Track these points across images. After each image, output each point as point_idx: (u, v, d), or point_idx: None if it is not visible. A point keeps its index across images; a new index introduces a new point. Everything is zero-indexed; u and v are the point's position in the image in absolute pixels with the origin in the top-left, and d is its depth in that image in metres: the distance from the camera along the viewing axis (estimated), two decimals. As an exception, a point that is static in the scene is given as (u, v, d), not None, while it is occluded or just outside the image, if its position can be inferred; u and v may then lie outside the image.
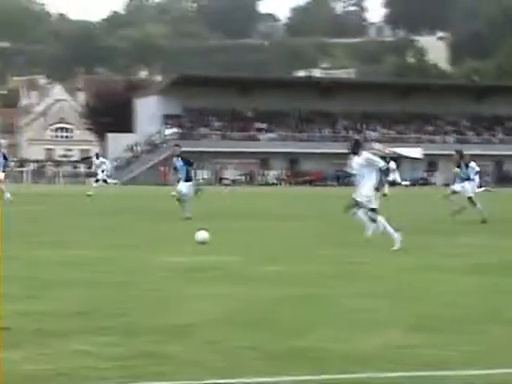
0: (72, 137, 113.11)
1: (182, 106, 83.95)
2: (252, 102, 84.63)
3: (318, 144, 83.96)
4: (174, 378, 6.13)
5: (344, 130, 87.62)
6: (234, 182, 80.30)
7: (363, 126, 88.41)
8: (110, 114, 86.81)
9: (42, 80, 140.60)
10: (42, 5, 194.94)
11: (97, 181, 41.83)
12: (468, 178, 24.44)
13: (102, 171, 41.73)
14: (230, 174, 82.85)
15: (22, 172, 74.27)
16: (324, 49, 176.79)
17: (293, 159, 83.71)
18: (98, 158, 44.29)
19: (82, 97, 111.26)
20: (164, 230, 20.33)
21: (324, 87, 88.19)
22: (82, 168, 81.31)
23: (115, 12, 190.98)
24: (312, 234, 19.46)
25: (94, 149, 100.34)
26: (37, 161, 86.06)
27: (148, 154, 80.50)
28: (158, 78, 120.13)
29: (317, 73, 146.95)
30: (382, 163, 15.39)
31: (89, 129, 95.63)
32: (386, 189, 26.94)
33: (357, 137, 16.31)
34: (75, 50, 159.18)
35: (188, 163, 24.36)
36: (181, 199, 23.77)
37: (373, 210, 15.25)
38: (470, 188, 24.22)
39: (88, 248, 15.20)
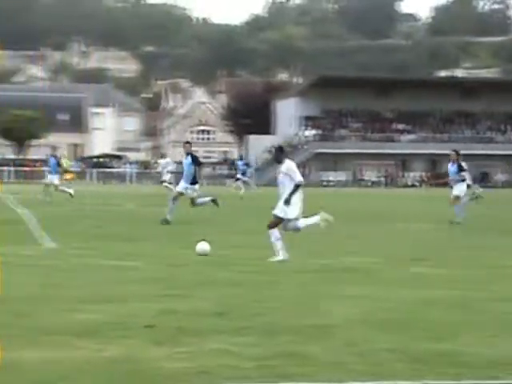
0: (213, 139, 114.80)
1: (321, 108, 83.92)
2: (391, 103, 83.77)
3: (459, 145, 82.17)
4: (315, 379, 6.10)
5: (487, 131, 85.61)
6: (373, 183, 79.71)
7: (507, 126, 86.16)
8: (250, 116, 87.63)
9: (184, 83, 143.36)
10: (184, 9, 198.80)
11: (162, 182, 40.65)
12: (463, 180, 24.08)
13: (168, 172, 40.95)
14: (369, 175, 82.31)
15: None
16: (466, 48, 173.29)
17: (433, 160, 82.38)
18: (163, 158, 43.76)
19: (222, 99, 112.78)
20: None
21: (466, 87, 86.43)
22: (223, 170, 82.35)
23: (256, 15, 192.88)
24: (452, 236, 19.07)
25: (234, 150, 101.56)
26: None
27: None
28: (298, 79, 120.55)
29: (459, 73, 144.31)
30: (299, 178, 13.51)
31: (229, 131, 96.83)
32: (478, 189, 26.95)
33: (282, 143, 14.41)
34: (217, 54, 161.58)
35: (196, 162, 22.02)
36: (193, 200, 22.02)
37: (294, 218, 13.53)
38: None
39: (231, 248, 15.34)
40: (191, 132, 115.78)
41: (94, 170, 73.34)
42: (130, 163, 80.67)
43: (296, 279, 11.34)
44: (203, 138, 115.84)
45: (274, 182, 16.41)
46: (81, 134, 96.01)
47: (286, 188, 13.51)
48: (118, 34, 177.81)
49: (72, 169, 73.61)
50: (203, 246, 14.05)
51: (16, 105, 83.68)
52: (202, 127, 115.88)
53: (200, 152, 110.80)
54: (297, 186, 13.41)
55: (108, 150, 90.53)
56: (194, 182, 21.74)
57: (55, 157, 34.34)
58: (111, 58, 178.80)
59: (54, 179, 33.42)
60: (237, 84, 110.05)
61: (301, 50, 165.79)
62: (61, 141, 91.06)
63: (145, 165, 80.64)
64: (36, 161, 73.82)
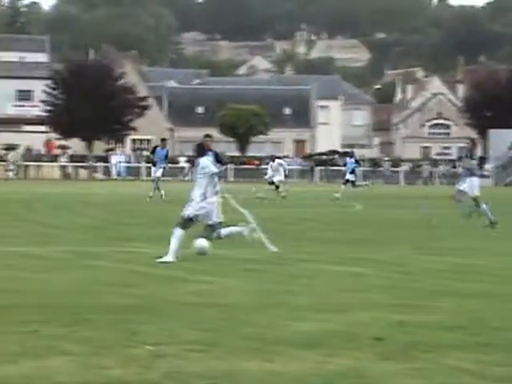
0: (449, 134, 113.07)
1: None
2: None
3: None
4: None
5: None
6: None
7: None
8: (493, 108, 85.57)
9: (418, 73, 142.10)
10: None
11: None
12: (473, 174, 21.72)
13: (284, 173, 38.65)
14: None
15: (396, 172, 75.53)
16: None
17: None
18: (273, 160, 39.96)
19: (461, 90, 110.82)
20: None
21: None
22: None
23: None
24: None
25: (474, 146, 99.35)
26: (411, 160, 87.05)
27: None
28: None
29: None
30: (214, 170, 14.46)
31: (468, 124, 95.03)
32: None
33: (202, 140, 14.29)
34: (456, 39, 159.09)
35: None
36: None
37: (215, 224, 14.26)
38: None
39: (473, 256, 15.05)
40: (426, 126, 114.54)
41: (318, 168, 74.05)
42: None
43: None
44: (439, 133, 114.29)
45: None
46: (305, 129, 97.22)
47: (196, 184, 14.30)
48: (346, 21, 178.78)
49: (294, 166, 74.66)
50: (201, 243, 13.92)
51: (239, 99, 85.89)
52: (437, 121, 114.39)
53: (436, 148, 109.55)
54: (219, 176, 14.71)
55: (335, 147, 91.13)
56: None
57: (163, 148, 34.19)
58: (338, 46, 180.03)
59: (157, 172, 33.46)
60: (478, 72, 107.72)
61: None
62: (284, 137, 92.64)
63: (374, 162, 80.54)
64: (257, 159, 75.36)
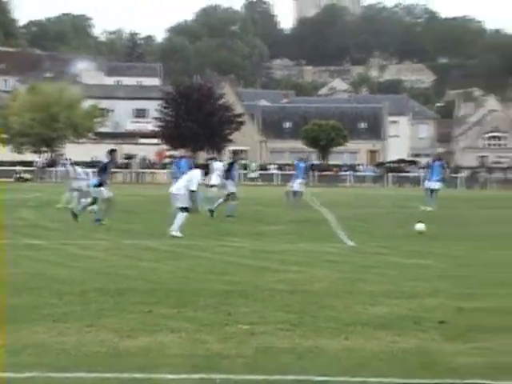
0: (505, 144, 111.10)
1: None
2: None
3: None
4: None
5: None
6: None
7: None
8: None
9: (476, 92, 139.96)
10: (479, 22, 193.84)
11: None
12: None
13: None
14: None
15: (456, 177, 74.42)
16: None
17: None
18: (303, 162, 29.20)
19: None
20: None
21: None
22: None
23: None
24: None
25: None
26: (470, 167, 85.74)
27: None
28: None
29: None
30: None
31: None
32: None
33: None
34: (509, 63, 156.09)
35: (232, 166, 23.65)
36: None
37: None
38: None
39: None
40: (483, 138, 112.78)
41: (390, 175, 73.55)
42: (423, 167, 79.85)
43: None
44: (494, 144, 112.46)
45: None
46: (378, 140, 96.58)
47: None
48: (414, 48, 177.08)
49: (369, 173, 74.31)
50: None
51: (320, 115, 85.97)
52: (493, 133, 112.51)
53: (491, 157, 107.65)
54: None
55: (403, 156, 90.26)
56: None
57: (304, 161, 28.70)
58: (407, 70, 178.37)
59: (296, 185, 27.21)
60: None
61: None
62: (360, 147, 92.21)
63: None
64: (336, 166, 75.57)
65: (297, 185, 27.24)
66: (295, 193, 27.18)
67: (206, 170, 18.95)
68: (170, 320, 7.69)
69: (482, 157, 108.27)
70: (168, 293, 9.22)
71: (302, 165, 28.12)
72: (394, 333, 7.22)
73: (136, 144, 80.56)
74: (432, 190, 27.88)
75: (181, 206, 16.12)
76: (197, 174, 16.50)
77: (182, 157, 32.63)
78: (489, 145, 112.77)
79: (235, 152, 34.06)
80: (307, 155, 38.28)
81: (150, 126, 79.27)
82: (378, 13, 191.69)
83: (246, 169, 65.70)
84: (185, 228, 16.23)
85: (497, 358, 6.40)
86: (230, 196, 22.20)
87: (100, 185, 19.12)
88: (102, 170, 19.36)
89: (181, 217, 16.04)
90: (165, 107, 72.84)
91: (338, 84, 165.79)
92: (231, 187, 22.45)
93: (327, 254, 13.61)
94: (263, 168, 72.77)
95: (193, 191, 16.15)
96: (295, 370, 5.93)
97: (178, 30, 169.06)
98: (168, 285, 9.86)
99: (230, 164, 24.00)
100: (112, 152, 20.02)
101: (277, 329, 7.34)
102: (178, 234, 15.87)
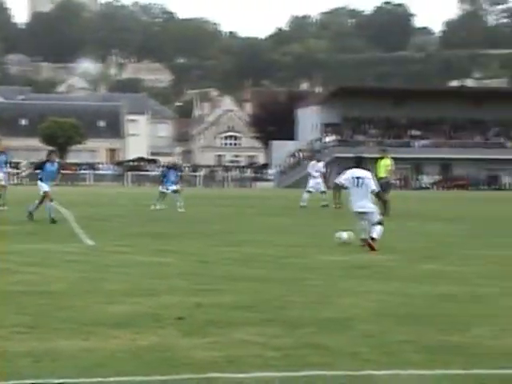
0: (240, 144, 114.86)
1: (340, 115, 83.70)
2: (407, 111, 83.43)
3: (471, 150, 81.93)
4: (334, 368, 6.09)
5: (496, 137, 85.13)
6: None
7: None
8: (275, 123, 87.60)
9: (213, 92, 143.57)
10: (214, 24, 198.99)
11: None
12: None
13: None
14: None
15: (195, 176, 76.01)
16: (476, 59, 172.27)
17: (445, 165, 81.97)
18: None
19: (248, 107, 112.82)
20: (325, 230, 20.22)
21: (476, 96, 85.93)
22: (249, 173, 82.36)
23: (280, 29, 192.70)
24: (465, 235, 18.95)
25: (260, 155, 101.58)
26: (208, 166, 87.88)
27: (309, 160, 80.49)
28: (319, 89, 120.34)
29: (470, 83, 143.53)
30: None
31: (255, 137, 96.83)
32: None
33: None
34: (243, 65, 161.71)
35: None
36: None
37: None
38: None
39: (259, 246, 15.32)
40: (220, 138, 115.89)
41: (130, 173, 73.60)
42: (162, 166, 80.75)
43: (319, 275, 11.31)
44: (231, 144, 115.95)
45: (295, 185, 16.62)
46: (117, 139, 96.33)
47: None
48: (152, 47, 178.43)
49: (109, 172, 73.93)
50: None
51: (58, 113, 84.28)
52: (229, 133, 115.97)
53: (228, 156, 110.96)
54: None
55: (143, 155, 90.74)
56: None
57: (175, 168, 29.55)
58: (146, 69, 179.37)
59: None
60: (262, 93, 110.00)
61: (321, 61, 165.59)
62: (99, 146, 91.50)
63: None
64: (76, 164, 74.36)
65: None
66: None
67: None
68: None
69: (219, 156, 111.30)
70: None
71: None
72: (133, 331, 7.24)
73: None
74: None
75: None
76: None
77: None
78: (225, 144, 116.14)
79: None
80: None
81: None
82: (116, 10, 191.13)
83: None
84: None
85: (230, 350, 6.61)
86: None
87: None
88: None
89: None
90: None
91: (77, 82, 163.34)
92: None
93: (66, 254, 13.39)
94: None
95: None
96: (32, 374, 5.78)
97: None
98: None
99: None
100: None
101: (12, 332, 7.12)
102: None
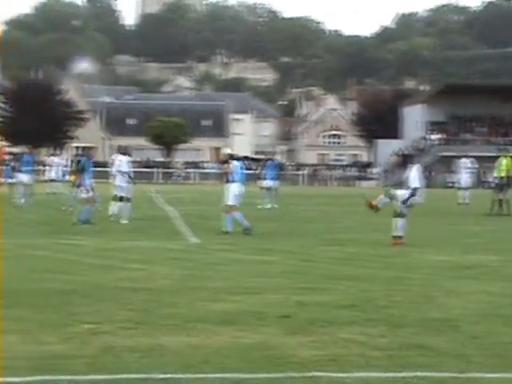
0: (344, 143, 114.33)
1: (446, 114, 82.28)
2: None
3: None
4: (439, 369, 5.99)
5: None
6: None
7: None
8: (379, 122, 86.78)
9: (317, 91, 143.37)
10: (318, 23, 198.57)
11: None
12: None
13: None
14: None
15: (298, 175, 76.02)
16: None
17: (556, 163, 79.60)
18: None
19: (352, 106, 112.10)
20: (432, 230, 19.89)
21: None
22: (352, 171, 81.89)
23: (385, 27, 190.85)
24: None
25: (364, 154, 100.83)
26: (311, 165, 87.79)
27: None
28: (424, 87, 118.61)
29: None
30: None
31: (359, 135, 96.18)
32: None
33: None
34: (347, 63, 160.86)
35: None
36: None
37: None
38: None
39: (362, 246, 15.21)
40: (323, 136, 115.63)
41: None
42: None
43: (423, 275, 11.15)
44: (334, 142, 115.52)
45: (399, 184, 16.54)
46: (222, 138, 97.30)
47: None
48: (257, 47, 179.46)
49: (213, 170, 74.68)
50: None
51: (164, 113, 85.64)
52: (333, 132, 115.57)
53: (331, 155, 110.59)
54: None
55: (247, 153, 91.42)
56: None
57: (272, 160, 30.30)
58: (250, 68, 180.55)
59: None
60: (366, 92, 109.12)
61: (427, 59, 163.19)
62: (204, 145, 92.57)
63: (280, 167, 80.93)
64: (185, 163, 75.76)
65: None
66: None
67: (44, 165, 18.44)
68: (9, 322, 7.47)
69: (323, 154, 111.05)
70: (5, 293, 8.95)
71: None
72: (237, 328, 7.30)
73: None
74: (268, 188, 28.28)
75: None
76: None
77: (23, 153, 32.14)
78: (329, 143, 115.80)
79: (85, 148, 34.14)
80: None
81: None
82: (222, 11, 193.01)
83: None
84: (24, 227, 15.79)
85: (333, 349, 6.59)
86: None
87: None
88: None
89: None
90: (3, 102, 70.61)
91: (182, 81, 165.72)
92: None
93: (171, 252, 13.59)
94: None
95: None
96: (138, 369, 5.89)
97: (15, 24, 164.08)
98: (5, 285, 9.57)
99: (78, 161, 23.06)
100: None
101: (120, 328, 7.28)
102: None
